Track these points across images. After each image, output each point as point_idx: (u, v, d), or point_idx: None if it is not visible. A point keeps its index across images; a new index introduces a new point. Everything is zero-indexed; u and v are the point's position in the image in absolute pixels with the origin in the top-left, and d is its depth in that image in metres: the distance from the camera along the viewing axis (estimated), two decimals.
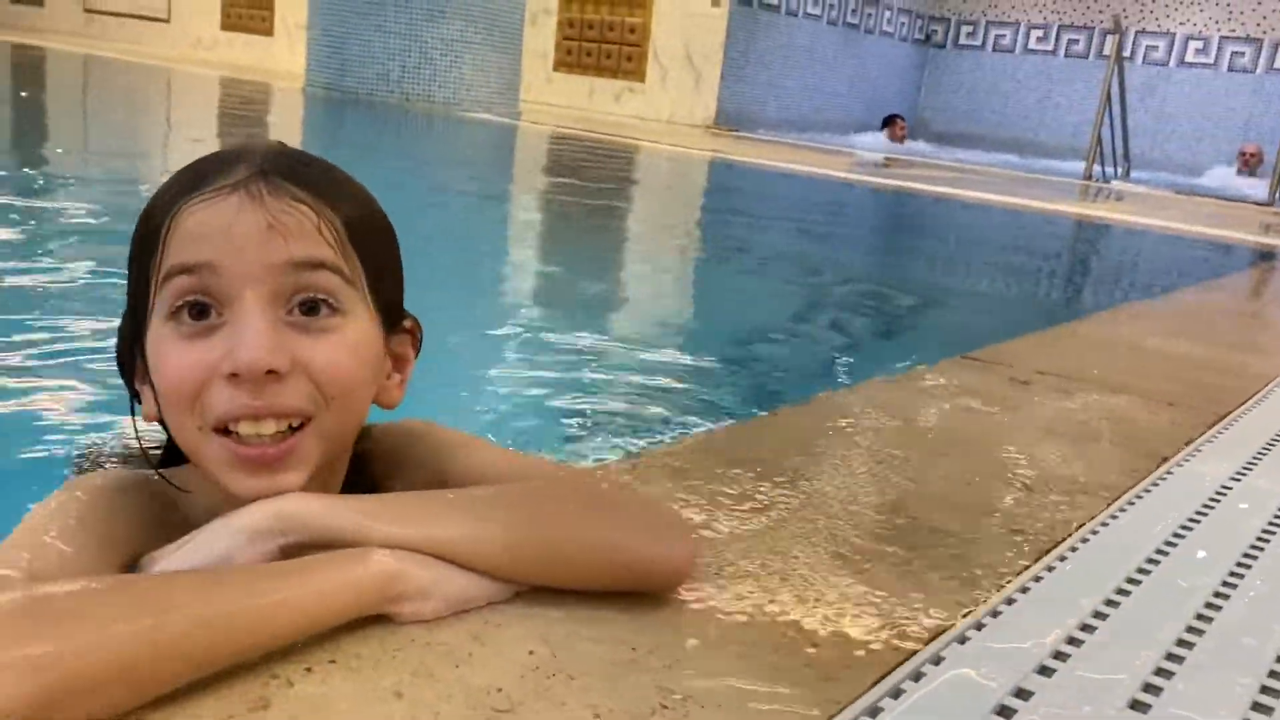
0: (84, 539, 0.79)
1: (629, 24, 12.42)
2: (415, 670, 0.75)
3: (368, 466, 0.95)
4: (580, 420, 2.00)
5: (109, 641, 0.64)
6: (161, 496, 0.87)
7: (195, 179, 0.82)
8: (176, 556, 0.78)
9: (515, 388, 2.21)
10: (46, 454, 1.53)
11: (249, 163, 0.82)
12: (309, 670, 0.73)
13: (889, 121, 13.38)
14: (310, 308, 0.80)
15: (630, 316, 3.13)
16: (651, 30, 12.33)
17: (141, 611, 0.67)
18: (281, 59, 14.69)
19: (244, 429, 0.78)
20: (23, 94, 8.59)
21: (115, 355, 0.89)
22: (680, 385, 2.31)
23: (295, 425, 0.80)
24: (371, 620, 0.79)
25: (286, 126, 7.82)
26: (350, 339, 0.82)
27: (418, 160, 6.63)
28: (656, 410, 2.12)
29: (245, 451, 0.78)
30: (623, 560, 0.86)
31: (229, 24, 16.69)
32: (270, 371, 0.77)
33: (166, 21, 17.52)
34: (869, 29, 14.24)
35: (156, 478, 0.88)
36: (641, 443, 1.86)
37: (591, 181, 6.55)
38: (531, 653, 0.79)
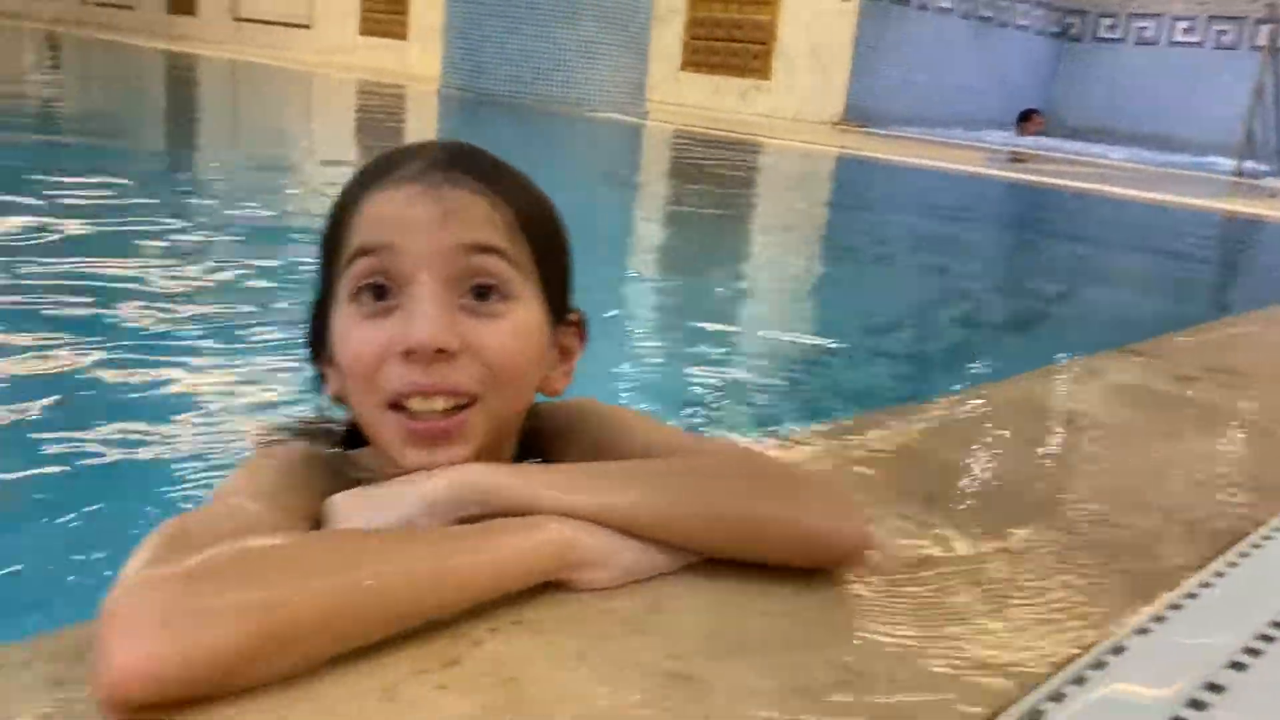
0: (271, 504, 0.83)
1: (756, 21, 12.36)
2: (596, 635, 0.77)
3: (536, 443, 0.97)
4: (723, 402, 2.01)
5: (312, 593, 0.68)
6: (341, 475, 0.91)
7: (380, 171, 0.86)
8: (361, 514, 0.81)
9: (648, 374, 2.23)
10: (230, 431, 1.61)
11: (429, 156, 0.86)
12: (494, 631, 0.76)
13: (1026, 116, 12.96)
14: (481, 292, 0.83)
15: (767, 309, 3.12)
16: (779, 28, 12.24)
17: (342, 566, 0.71)
18: (415, 62, 15.11)
19: (415, 404, 0.81)
20: (180, 96, 9.06)
21: (306, 338, 0.94)
22: (816, 374, 2.30)
23: (464, 403, 0.83)
24: (546, 588, 0.81)
25: (423, 127, 8.04)
26: (518, 324, 0.85)
27: (553, 159, 6.76)
28: (795, 397, 2.11)
29: (416, 426, 0.82)
30: (796, 534, 0.86)
31: (366, 29, 17.25)
32: (441, 351, 0.80)
33: (308, 28, 18.22)
34: (1003, 22, 13.84)
35: (336, 454, 0.92)
36: (784, 427, 1.86)
37: (723, 179, 6.55)
38: (704, 623, 0.80)
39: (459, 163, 0.86)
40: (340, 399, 0.90)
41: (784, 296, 3.39)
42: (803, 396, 2.10)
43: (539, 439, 0.98)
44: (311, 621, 0.67)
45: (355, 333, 0.83)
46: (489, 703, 0.68)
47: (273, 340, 2.15)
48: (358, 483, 0.89)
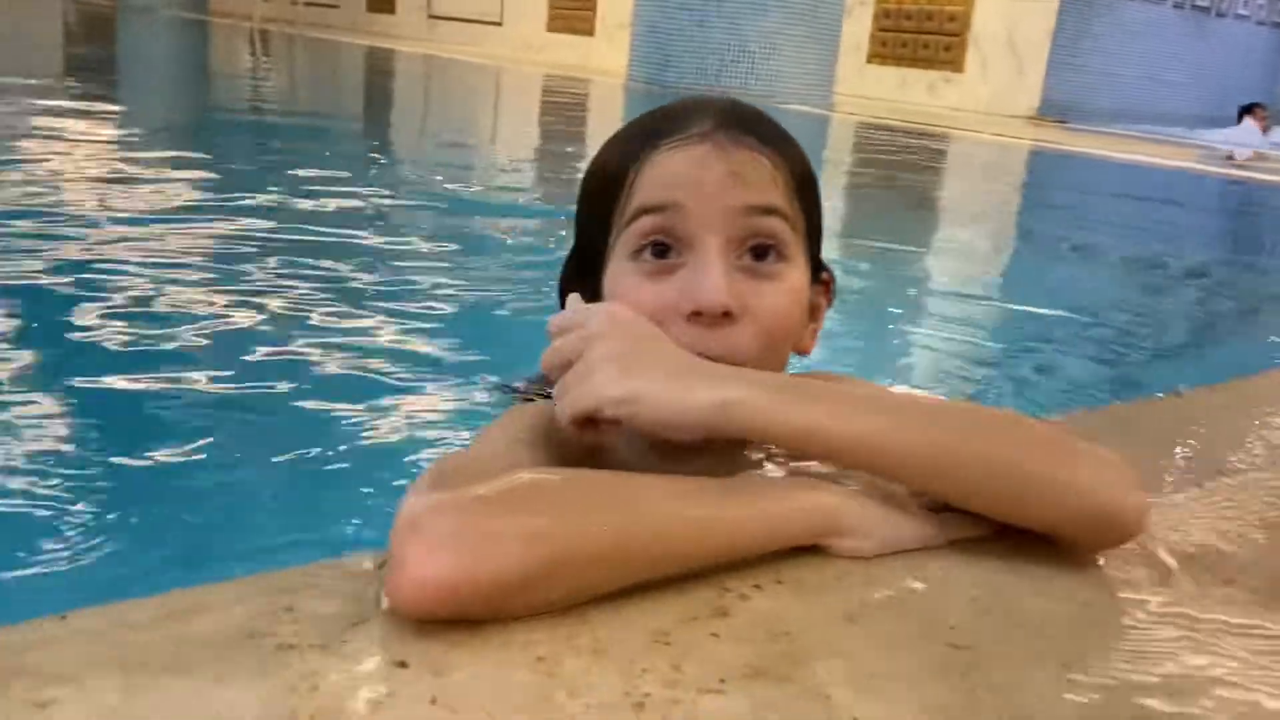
0: (532, 451, 0.84)
1: (948, 12, 11.99)
2: (863, 599, 0.74)
3: None
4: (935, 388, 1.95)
5: (593, 526, 0.68)
6: None
7: (658, 128, 0.87)
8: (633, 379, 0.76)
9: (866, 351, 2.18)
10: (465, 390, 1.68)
11: (711, 115, 0.86)
12: (758, 587, 0.74)
13: (1248, 110, 12.05)
14: (760, 253, 0.83)
15: (979, 305, 3.01)
16: (973, 18, 11.83)
17: (622, 504, 0.71)
18: (601, 57, 15.36)
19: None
20: (382, 87, 9.50)
21: (557, 290, 0.95)
22: (1039, 365, 2.21)
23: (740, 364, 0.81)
24: (805, 551, 0.79)
25: (612, 117, 8.15)
26: (792, 285, 0.85)
27: None
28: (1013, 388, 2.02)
29: None
30: (1071, 498, 0.79)
31: (554, 26, 17.65)
32: (726, 313, 0.80)
33: (499, 25, 18.78)
34: (1220, 12, 12.98)
35: None
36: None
37: (916, 171, 6.38)
38: (975, 599, 0.76)
39: (742, 122, 0.86)
40: None
41: (994, 290, 3.27)
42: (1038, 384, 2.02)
43: None
44: (589, 554, 0.67)
45: (635, 290, 0.83)
46: (765, 653, 0.66)
47: (488, 303, 2.23)
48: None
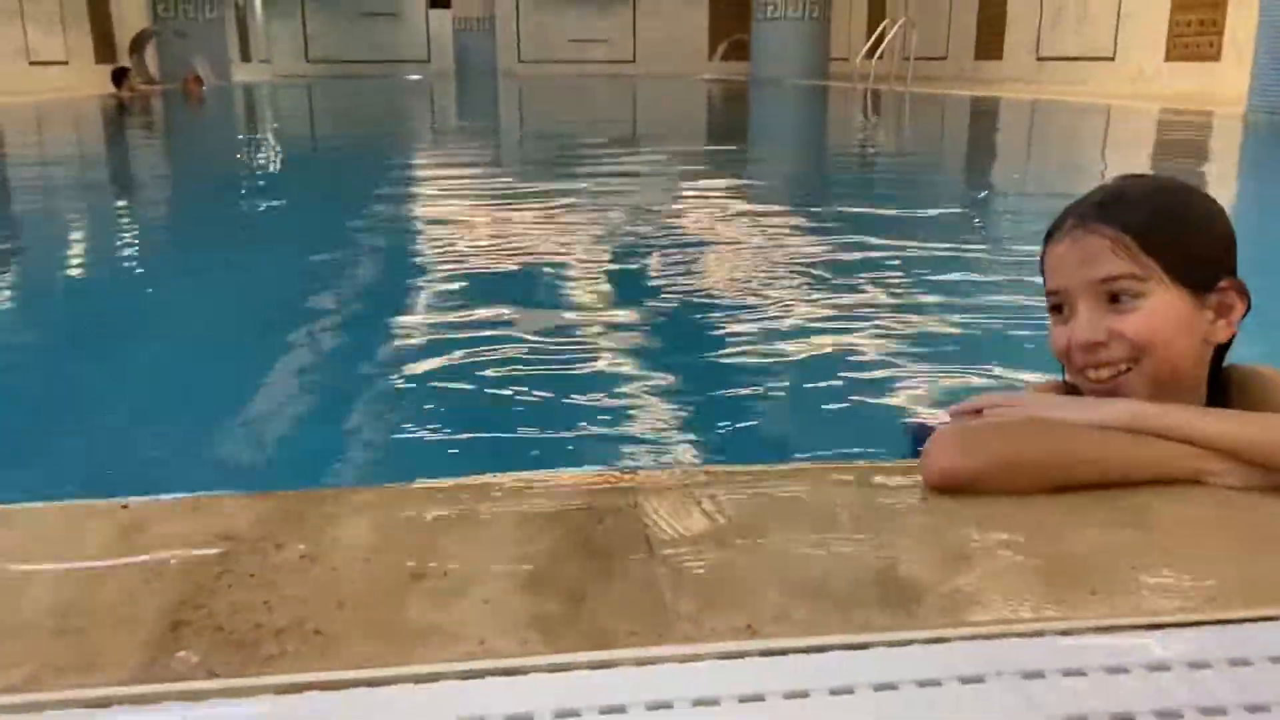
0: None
1: None
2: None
3: (1223, 397, 1.39)
4: None
5: (1038, 449, 1.24)
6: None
7: (1053, 225, 1.37)
8: (1062, 407, 1.31)
9: None
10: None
11: (1079, 211, 1.34)
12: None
13: None
14: (1115, 297, 1.31)
15: None
16: None
17: (1059, 438, 1.26)
18: (1230, 84, 14.26)
19: (1090, 374, 1.32)
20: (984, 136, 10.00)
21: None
22: None
23: (1123, 369, 1.30)
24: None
25: (1221, 164, 7.77)
26: (1150, 310, 1.29)
27: None
28: None
29: (1092, 387, 1.33)
30: None
31: (1173, 54, 16.69)
32: (1096, 344, 1.30)
33: (1111, 59, 18.18)
34: None
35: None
36: None
37: None
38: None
39: (1094, 212, 1.33)
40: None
41: None
42: None
43: (1226, 393, 1.40)
44: (1034, 465, 1.23)
45: (1054, 334, 1.37)
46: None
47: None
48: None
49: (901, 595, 0.94)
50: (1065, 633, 0.89)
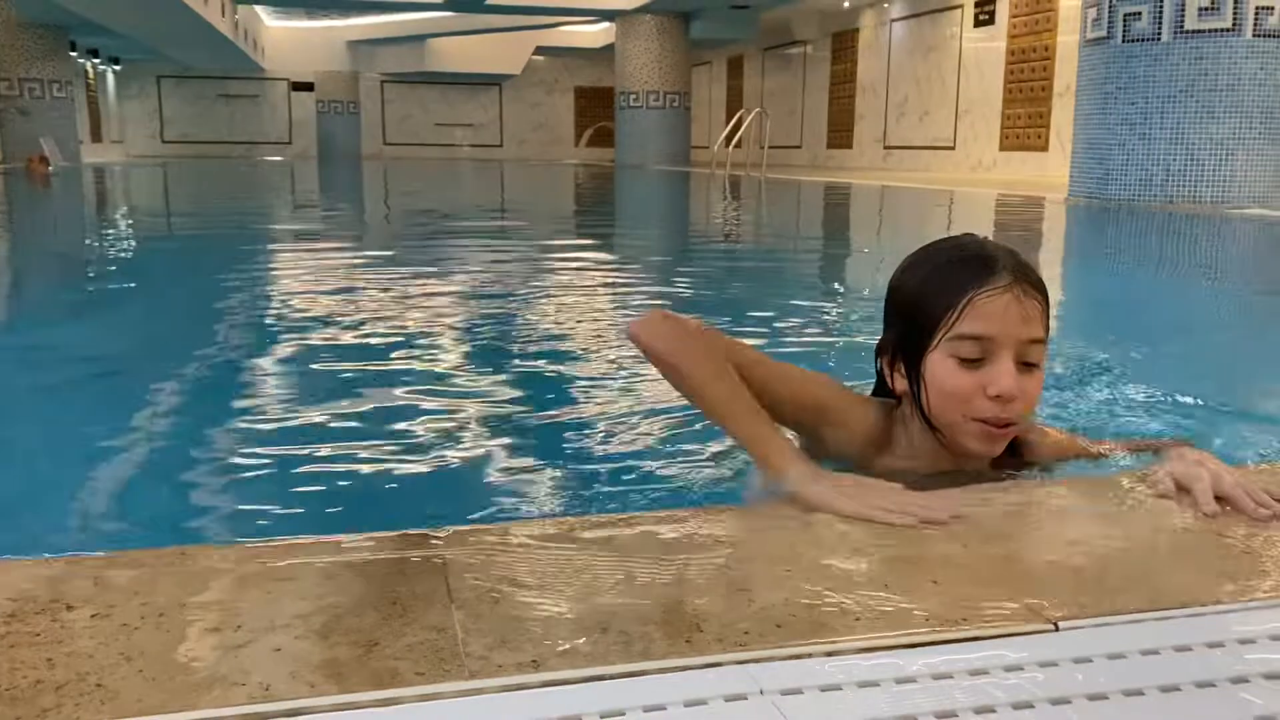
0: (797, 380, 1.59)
1: None
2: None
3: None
4: None
5: (698, 374, 1.42)
6: (886, 421, 1.56)
7: (977, 276, 1.42)
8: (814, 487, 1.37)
9: None
10: None
11: (1009, 270, 1.43)
12: None
13: None
14: (1025, 362, 1.43)
15: None
16: None
17: (714, 379, 1.42)
18: (1055, 171, 15.32)
19: (988, 423, 1.43)
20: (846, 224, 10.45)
21: (875, 351, 1.59)
22: None
23: (1013, 423, 1.44)
24: None
25: (1052, 237, 8.33)
26: (1040, 380, 1.46)
27: (1211, 261, 6.78)
28: None
29: (993, 431, 1.43)
30: None
31: (1006, 144, 17.85)
32: (1014, 399, 1.41)
33: (952, 149, 19.32)
34: None
35: (894, 409, 1.57)
36: None
37: None
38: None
39: (1027, 274, 1.44)
40: (899, 395, 1.53)
41: None
42: None
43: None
44: (686, 377, 1.43)
45: (954, 377, 1.43)
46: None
47: None
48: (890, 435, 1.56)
49: (686, 625, 0.99)
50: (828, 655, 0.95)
